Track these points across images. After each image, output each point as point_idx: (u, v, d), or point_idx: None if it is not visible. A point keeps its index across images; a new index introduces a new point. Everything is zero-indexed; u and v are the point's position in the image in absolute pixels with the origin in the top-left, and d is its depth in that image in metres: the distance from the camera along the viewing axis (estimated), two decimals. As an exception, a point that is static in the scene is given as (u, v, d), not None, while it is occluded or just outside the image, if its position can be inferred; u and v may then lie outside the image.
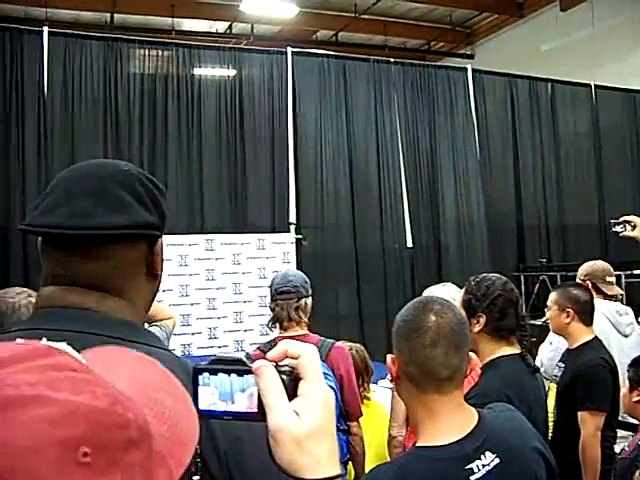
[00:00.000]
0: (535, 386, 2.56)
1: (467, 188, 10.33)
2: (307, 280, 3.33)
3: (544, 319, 4.41)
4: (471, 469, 1.56)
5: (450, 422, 1.62)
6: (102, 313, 1.06)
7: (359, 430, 3.29)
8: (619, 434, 3.52)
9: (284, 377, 0.81)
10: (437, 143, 10.34)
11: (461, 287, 2.76)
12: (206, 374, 0.82)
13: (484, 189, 10.43)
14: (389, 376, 1.79)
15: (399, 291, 9.45)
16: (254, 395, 0.80)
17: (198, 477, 0.97)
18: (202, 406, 0.81)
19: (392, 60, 10.56)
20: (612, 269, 4.51)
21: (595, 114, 11.72)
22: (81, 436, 0.53)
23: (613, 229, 3.79)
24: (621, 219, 3.79)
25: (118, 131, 8.56)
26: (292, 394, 0.81)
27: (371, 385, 3.99)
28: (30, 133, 8.02)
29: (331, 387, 3.05)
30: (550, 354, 4.14)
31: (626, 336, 4.18)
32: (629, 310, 4.39)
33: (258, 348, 3.26)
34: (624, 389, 3.07)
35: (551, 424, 3.35)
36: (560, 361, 3.64)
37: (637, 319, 4.42)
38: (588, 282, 4.33)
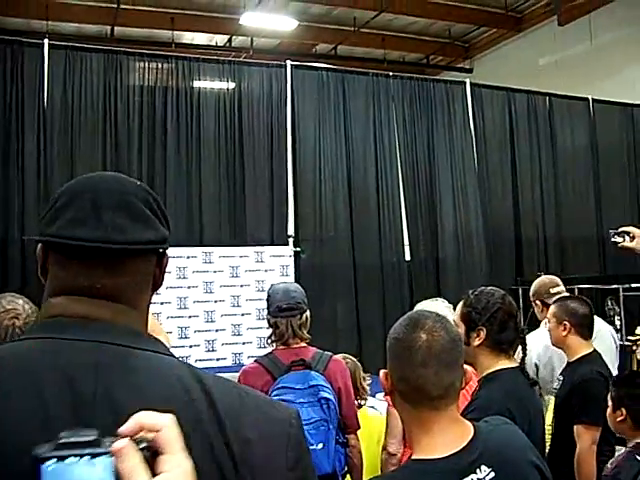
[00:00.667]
0: (534, 399, 2.57)
1: (465, 201, 10.34)
2: (304, 293, 3.35)
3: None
4: None
5: (445, 436, 1.62)
6: (120, 324, 1.06)
7: (357, 442, 3.29)
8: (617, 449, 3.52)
9: (144, 454, 0.74)
10: (435, 157, 10.36)
11: (458, 302, 2.74)
12: (52, 462, 0.70)
13: (482, 202, 10.44)
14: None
15: (397, 304, 9.43)
16: None
17: None
18: None
19: (391, 74, 10.58)
20: (557, 280, 4.56)
21: (593, 128, 11.75)
22: None
23: (612, 239, 3.80)
24: (620, 229, 3.80)
25: (117, 143, 8.57)
26: (152, 471, 0.74)
27: (369, 397, 4.00)
28: (30, 144, 8.02)
29: (329, 399, 3.07)
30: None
31: None
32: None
33: (256, 361, 3.27)
34: (609, 409, 3.05)
35: (549, 437, 3.35)
36: (560, 374, 3.64)
37: (634, 333, 4.43)
38: (537, 302, 4.39)
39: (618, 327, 8.93)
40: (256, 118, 9.33)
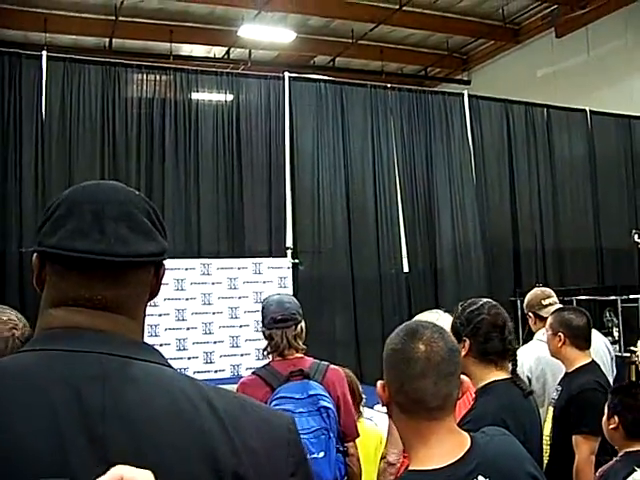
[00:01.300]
0: (530, 410, 2.56)
1: (463, 213, 10.35)
2: (299, 304, 3.35)
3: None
4: None
5: (442, 447, 1.61)
6: (121, 335, 1.07)
7: (355, 450, 3.30)
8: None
9: None
10: (433, 168, 10.37)
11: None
12: None
13: (480, 214, 10.46)
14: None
15: (396, 316, 9.41)
16: None
17: None
18: None
19: (389, 86, 10.62)
20: (550, 291, 4.58)
21: (590, 139, 11.78)
22: None
23: (636, 239, 3.81)
24: None
25: (115, 154, 8.59)
26: None
27: (367, 409, 3.99)
28: (28, 156, 8.03)
29: (329, 408, 3.07)
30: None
31: None
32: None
33: (253, 373, 3.27)
34: (604, 417, 3.06)
35: (547, 447, 3.34)
36: (558, 384, 3.64)
37: (636, 345, 4.43)
38: (530, 314, 4.40)
39: (616, 338, 8.93)
40: (254, 130, 9.35)
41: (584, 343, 3.53)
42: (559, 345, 3.51)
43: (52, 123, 8.27)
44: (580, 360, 3.50)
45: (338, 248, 9.57)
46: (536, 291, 4.61)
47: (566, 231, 11.26)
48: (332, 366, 3.33)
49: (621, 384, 3.59)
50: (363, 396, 4.00)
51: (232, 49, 14.45)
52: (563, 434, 3.37)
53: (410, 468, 1.65)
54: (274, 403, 3.01)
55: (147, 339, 1.14)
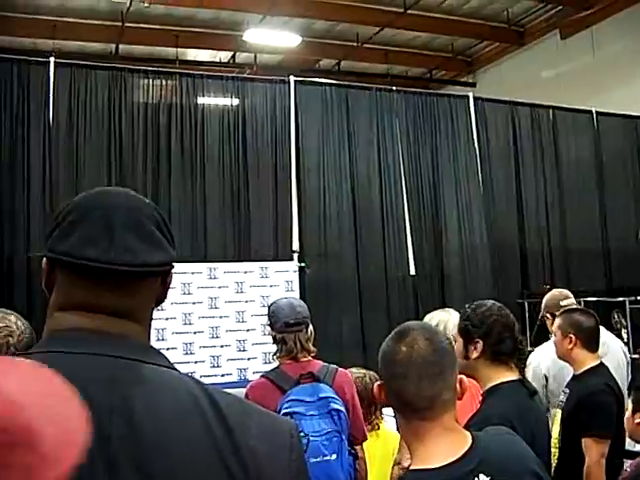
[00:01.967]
0: (537, 411, 2.55)
1: (469, 215, 10.33)
2: (307, 308, 3.38)
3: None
4: None
5: (439, 446, 1.61)
6: (130, 339, 1.08)
7: (363, 454, 3.33)
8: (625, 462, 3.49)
9: None
10: (439, 171, 10.36)
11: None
12: None
13: (486, 216, 10.43)
14: None
15: (402, 319, 9.29)
16: None
17: None
18: None
19: (394, 88, 10.61)
20: (567, 292, 4.58)
21: (597, 140, 11.74)
22: None
23: None
24: None
25: (122, 159, 8.60)
26: None
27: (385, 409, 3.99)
28: (35, 161, 8.06)
29: (340, 411, 3.10)
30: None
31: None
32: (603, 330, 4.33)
33: (262, 376, 3.28)
34: (627, 412, 3.06)
35: (555, 450, 3.33)
36: (565, 387, 3.62)
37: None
38: (548, 315, 4.38)
39: (625, 340, 8.89)
40: (260, 134, 9.35)
41: (594, 345, 3.52)
42: (569, 347, 3.50)
43: (60, 128, 8.29)
44: (589, 362, 3.48)
45: (344, 251, 9.55)
46: (554, 292, 4.61)
47: (573, 233, 11.22)
48: (341, 369, 3.35)
49: None
50: None
51: (237, 53, 14.49)
52: (572, 437, 3.35)
53: (411, 467, 1.66)
54: (285, 405, 3.03)
55: (154, 343, 1.16)
